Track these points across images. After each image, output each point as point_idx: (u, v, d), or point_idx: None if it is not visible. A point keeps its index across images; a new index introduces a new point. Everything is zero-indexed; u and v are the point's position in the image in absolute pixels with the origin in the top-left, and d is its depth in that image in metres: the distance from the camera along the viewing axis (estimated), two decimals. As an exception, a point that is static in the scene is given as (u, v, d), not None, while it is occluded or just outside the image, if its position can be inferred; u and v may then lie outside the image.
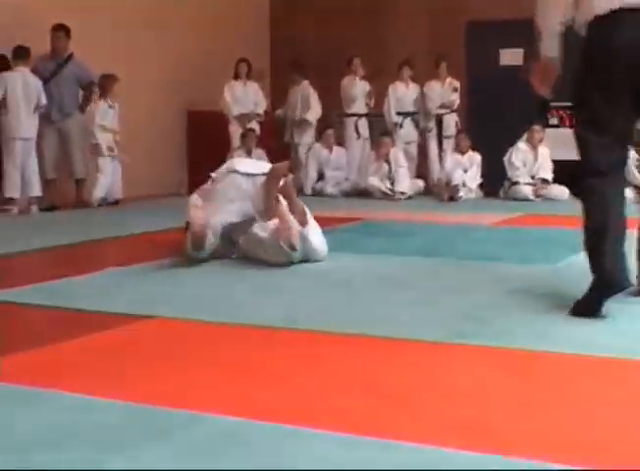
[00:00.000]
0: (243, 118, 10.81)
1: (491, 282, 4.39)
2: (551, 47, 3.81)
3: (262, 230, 5.03)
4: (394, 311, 3.72)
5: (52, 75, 8.87)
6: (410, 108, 10.83)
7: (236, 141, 10.90)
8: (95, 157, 9.05)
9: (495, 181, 10.05)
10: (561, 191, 9.45)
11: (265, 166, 5.57)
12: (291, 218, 4.95)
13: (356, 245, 5.73)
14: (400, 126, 10.74)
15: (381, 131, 10.31)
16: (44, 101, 8.43)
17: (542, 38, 3.86)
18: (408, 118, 10.82)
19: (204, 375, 2.82)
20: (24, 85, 8.27)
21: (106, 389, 2.62)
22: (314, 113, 10.91)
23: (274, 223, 5.00)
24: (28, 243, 5.94)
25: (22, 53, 8.27)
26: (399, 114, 10.82)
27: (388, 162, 9.83)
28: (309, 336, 3.34)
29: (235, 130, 10.96)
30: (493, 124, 10.89)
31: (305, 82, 11.00)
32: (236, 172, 5.43)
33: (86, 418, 2.34)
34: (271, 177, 5.20)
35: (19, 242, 6.02)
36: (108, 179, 9.07)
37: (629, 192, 9.04)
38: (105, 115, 9.08)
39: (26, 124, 8.24)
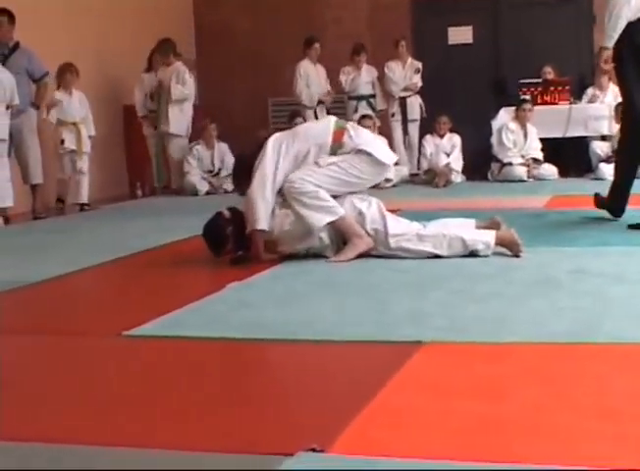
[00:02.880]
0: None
1: None
2: None
3: None
4: None
5: (-5, 66, 7.66)
6: (364, 91, 10.21)
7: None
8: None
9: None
10: (552, 171, 9.10)
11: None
12: None
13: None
14: (356, 110, 10.12)
15: (362, 113, 9.58)
16: (17, 100, 7.27)
17: None
18: (363, 101, 10.21)
19: None
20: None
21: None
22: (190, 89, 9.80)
23: None
24: (72, 260, 4.91)
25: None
26: (351, 98, 10.22)
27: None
28: None
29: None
30: (445, 104, 10.41)
31: (179, 63, 9.78)
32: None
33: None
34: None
35: (52, 260, 4.99)
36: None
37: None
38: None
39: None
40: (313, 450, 1.96)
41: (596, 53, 6.13)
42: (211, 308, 3.56)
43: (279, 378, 2.60)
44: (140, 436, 2.14)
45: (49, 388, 2.60)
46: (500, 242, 4.38)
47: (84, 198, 8.39)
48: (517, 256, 4.32)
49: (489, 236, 4.38)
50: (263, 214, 4.47)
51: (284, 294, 3.75)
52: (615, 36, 5.27)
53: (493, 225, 4.59)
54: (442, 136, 9.42)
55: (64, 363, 2.91)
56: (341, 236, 4.55)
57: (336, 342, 2.92)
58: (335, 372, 2.64)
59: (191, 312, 3.50)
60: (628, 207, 5.50)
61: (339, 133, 4.61)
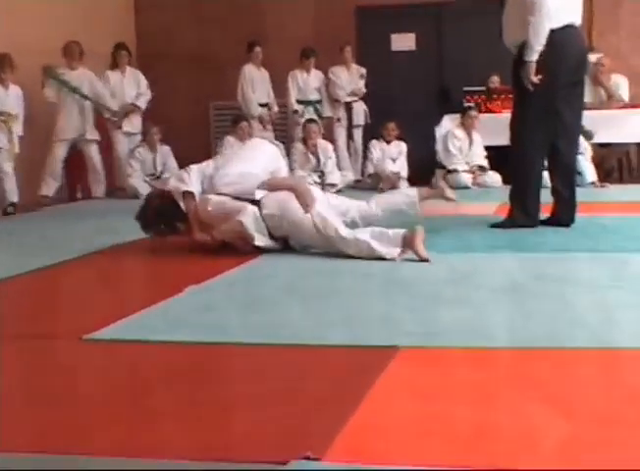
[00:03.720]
0: (119, 115, 9.62)
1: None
2: None
3: None
4: None
5: None
6: (312, 97, 10.16)
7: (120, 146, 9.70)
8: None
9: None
10: (496, 178, 9.15)
11: None
12: None
13: (440, 245, 4.82)
14: (302, 115, 10.03)
15: (306, 118, 9.51)
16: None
17: None
18: (310, 107, 10.15)
19: None
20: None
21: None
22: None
23: None
24: (20, 263, 4.74)
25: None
26: (300, 102, 10.13)
27: (315, 154, 9.08)
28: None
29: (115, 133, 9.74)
30: (388, 110, 10.42)
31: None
32: None
33: None
34: None
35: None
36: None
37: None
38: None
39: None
40: (308, 459, 1.89)
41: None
42: (172, 311, 3.45)
43: (256, 384, 2.49)
44: (112, 444, 2.03)
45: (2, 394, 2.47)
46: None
47: (14, 198, 8.16)
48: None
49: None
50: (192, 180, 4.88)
51: (248, 299, 3.65)
52: (540, 48, 5.20)
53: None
54: (389, 142, 9.41)
55: (20, 367, 2.77)
56: (271, 228, 4.70)
57: (308, 347, 2.84)
58: (313, 377, 2.55)
59: (152, 315, 3.39)
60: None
61: None
